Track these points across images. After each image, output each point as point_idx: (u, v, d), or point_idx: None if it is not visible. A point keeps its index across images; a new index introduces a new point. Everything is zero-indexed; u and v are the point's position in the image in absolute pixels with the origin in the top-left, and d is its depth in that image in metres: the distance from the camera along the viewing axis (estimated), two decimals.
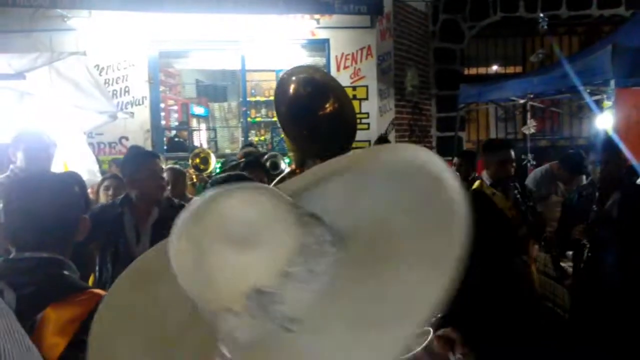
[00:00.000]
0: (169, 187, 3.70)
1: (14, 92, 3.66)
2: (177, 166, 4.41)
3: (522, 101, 6.44)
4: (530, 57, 7.39)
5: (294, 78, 3.33)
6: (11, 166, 3.15)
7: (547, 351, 3.08)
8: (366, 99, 6.97)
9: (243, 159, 4.09)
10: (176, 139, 8.61)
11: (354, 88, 6.94)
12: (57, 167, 3.62)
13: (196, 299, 0.65)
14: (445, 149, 8.12)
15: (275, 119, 9.73)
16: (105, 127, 5.98)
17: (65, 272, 1.46)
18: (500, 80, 6.86)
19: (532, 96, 5.82)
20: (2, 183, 3.02)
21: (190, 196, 3.89)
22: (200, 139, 9.39)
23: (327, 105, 3.78)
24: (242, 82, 7.46)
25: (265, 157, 5.11)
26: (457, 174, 5.08)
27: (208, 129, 9.55)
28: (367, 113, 6.97)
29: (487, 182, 3.44)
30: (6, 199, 1.46)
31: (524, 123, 7.41)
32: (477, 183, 3.48)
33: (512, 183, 3.40)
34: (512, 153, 3.51)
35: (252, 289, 0.61)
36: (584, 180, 4.62)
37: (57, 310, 1.35)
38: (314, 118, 3.80)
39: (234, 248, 0.62)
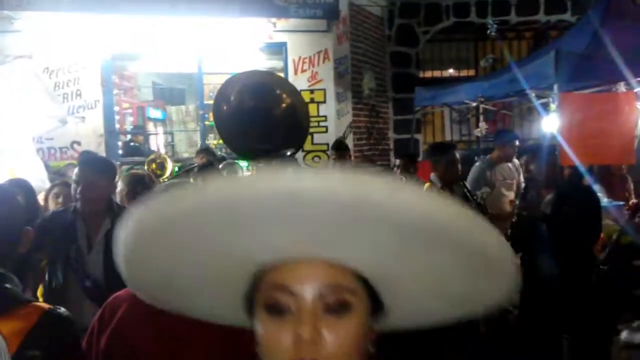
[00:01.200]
0: (124, 194, 3.62)
1: None
2: (139, 171, 4.28)
3: (474, 104, 6.65)
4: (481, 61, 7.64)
5: (237, 86, 3.31)
6: None
7: None
8: (324, 102, 7.03)
9: (196, 164, 4.02)
10: (131, 144, 8.43)
11: (312, 91, 6.99)
12: (3, 174, 3.49)
13: None
14: (402, 151, 8.29)
15: None
16: (56, 132, 5.80)
17: (7, 286, 1.43)
18: (454, 84, 7.06)
19: (482, 99, 6.02)
20: None
21: None
22: (158, 143, 9.22)
23: (277, 110, 3.79)
24: (200, 85, 7.38)
25: (221, 166, 5.06)
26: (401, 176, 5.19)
27: (165, 132, 9.39)
28: (325, 116, 7.03)
29: (437, 183, 3.54)
30: None
31: (477, 125, 7.63)
32: (426, 185, 3.57)
33: (461, 182, 3.52)
34: (457, 154, 3.65)
35: None
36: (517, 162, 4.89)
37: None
38: (263, 123, 3.79)
39: None
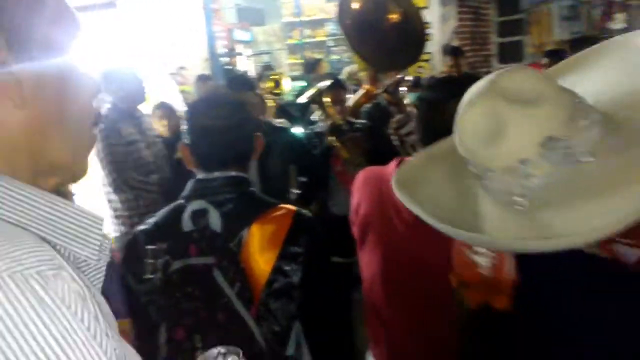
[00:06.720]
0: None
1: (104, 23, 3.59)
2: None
3: None
4: None
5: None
6: (106, 98, 3.15)
7: None
8: (427, 7, 6.60)
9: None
10: (226, 67, 8.48)
11: None
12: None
13: (483, 160, 0.79)
14: (507, 56, 7.75)
15: (319, 38, 9.44)
16: (165, 57, 5.91)
17: (253, 189, 1.47)
18: None
19: None
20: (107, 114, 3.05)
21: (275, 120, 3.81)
22: (247, 64, 9.21)
23: (392, 17, 3.57)
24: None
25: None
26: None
27: (255, 54, 9.36)
28: (428, 22, 6.62)
29: None
30: (189, 118, 1.44)
31: (590, 20, 6.93)
32: None
33: None
34: None
35: (545, 138, 0.74)
36: None
37: (261, 226, 1.37)
38: (380, 32, 3.60)
39: (524, 106, 0.75)
